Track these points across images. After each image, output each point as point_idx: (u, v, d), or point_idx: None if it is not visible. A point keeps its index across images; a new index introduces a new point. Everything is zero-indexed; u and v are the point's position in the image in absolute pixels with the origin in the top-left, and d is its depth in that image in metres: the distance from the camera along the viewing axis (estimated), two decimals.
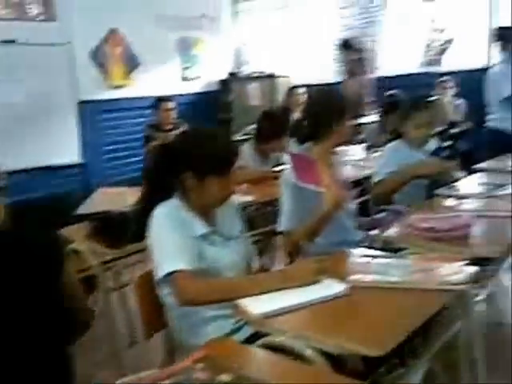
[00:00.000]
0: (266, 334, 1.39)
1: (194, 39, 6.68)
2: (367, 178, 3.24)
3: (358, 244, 2.06)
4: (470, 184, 2.67)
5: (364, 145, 3.89)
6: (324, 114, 2.14)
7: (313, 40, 6.86)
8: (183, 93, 6.25)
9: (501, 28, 3.98)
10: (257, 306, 1.42)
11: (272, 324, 1.35)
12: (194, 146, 1.74)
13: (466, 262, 1.62)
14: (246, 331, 1.62)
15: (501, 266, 2.03)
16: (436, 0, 5.96)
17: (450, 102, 4.85)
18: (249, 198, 2.99)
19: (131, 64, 5.94)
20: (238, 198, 2.96)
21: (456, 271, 1.56)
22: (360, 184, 3.28)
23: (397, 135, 2.74)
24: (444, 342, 1.59)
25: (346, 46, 5.33)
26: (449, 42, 5.99)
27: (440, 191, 2.49)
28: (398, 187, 2.55)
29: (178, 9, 6.30)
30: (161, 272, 1.59)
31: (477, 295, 1.77)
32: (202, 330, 1.68)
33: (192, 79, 6.68)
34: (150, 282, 1.66)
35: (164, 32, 6.18)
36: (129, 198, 2.40)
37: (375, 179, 2.66)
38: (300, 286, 1.50)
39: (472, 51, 5.44)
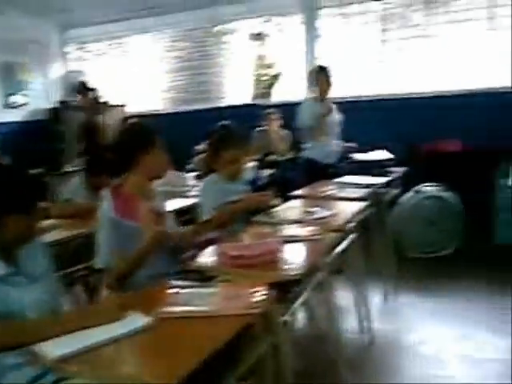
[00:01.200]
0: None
1: (19, 64, 6.30)
2: (195, 207, 3.31)
3: (174, 275, 2.08)
4: (285, 210, 2.86)
5: (193, 174, 3.98)
6: (131, 145, 2.16)
7: (147, 70, 6.92)
8: (6, 121, 5.84)
9: (315, 68, 4.43)
10: (55, 348, 1.35)
11: (70, 366, 1.30)
12: None
13: (272, 285, 1.74)
14: (52, 376, 1.54)
15: (308, 286, 2.19)
16: (264, 38, 6.42)
17: (276, 133, 5.20)
18: (75, 232, 2.89)
19: None
20: (62, 233, 2.87)
21: (260, 295, 1.65)
22: (188, 212, 3.33)
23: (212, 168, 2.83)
24: (257, 359, 1.67)
25: (81, 88, 5.90)
26: (276, 76, 6.45)
27: (257, 218, 2.64)
28: (225, 224, 2.64)
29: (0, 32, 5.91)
30: None
31: (283, 314, 1.89)
32: (3, 380, 1.56)
33: (17, 107, 6.27)
34: None
35: None
36: None
37: (203, 217, 2.73)
38: (104, 323, 1.47)
39: (296, 86, 5.92)
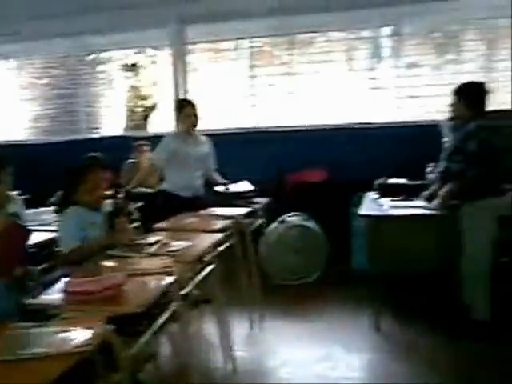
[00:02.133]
0: None
1: None
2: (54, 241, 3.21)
3: (14, 315, 2.00)
4: (141, 243, 2.85)
5: (52, 208, 3.85)
6: None
7: (13, 97, 6.65)
8: None
9: (180, 101, 4.57)
10: None
11: None
12: None
13: (114, 319, 1.74)
14: None
15: (161, 317, 2.19)
16: (138, 70, 6.45)
17: (146, 165, 5.14)
18: None
19: None
20: None
21: (97, 331, 1.64)
22: (47, 247, 3.21)
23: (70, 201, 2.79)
24: None
25: None
26: (151, 108, 6.49)
27: (111, 252, 2.61)
28: (87, 258, 2.59)
29: None
30: None
31: (128, 347, 1.87)
32: None
33: None
34: None
35: None
36: None
37: (64, 250, 2.66)
38: None
39: (170, 118, 5.96)
